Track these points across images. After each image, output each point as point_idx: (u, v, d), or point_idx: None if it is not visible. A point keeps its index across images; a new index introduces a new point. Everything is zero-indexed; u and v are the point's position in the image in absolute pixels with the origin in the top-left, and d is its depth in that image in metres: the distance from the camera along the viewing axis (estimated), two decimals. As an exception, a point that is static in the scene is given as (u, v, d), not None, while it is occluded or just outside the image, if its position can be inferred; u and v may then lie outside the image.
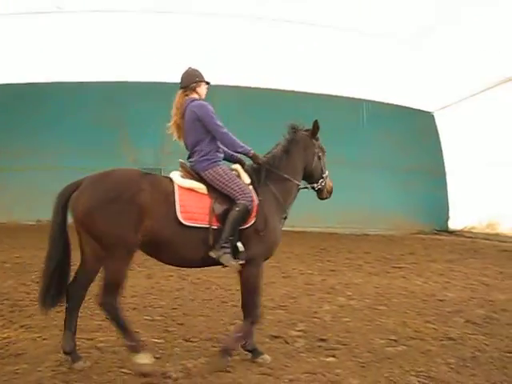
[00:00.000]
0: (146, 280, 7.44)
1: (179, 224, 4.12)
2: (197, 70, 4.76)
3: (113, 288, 4.01)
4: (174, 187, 4.25)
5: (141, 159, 15.44)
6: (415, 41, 14.52)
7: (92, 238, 4.02)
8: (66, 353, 4.02)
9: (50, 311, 4.20)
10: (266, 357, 4.29)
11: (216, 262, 4.26)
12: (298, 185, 4.95)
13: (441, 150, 17.90)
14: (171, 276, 7.73)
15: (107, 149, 14.90)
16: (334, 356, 4.46)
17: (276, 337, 4.97)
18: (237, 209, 4.21)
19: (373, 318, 5.72)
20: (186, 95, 4.68)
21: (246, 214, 4.27)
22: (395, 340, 4.97)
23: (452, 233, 16.75)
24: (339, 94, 16.25)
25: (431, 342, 4.96)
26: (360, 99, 16.85)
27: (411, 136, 17.08)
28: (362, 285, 7.49)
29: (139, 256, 9.01)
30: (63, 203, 4.10)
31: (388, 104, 17.05)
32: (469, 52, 13.58)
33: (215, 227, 4.22)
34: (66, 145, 14.64)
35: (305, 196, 15.34)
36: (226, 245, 4.17)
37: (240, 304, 4.58)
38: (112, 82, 15.05)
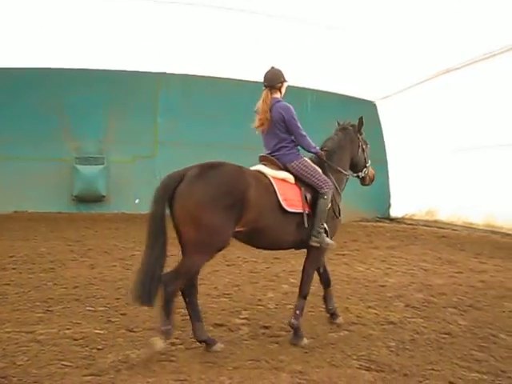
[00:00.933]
0: (89, 270, 7.30)
1: (282, 211, 4.60)
2: (280, 70, 5.19)
3: (185, 276, 4.23)
4: (269, 179, 4.71)
5: (83, 148, 15.08)
6: (359, 31, 14.71)
7: (192, 229, 4.14)
8: (201, 341, 4.30)
9: (147, 305, 4.18)
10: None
11: (302, 245, 4.93)
12: (347, 175, 5.67)
13: (382, 139, 18.18)
14: (114, 266, 7.64)
15: (47, 137, 14.41)
16: (277, 343, 4.52)
17: (220, 325, 5.00)
18: (325, 197, 4.85)
19: (316, 304, 5.78)
20: (271, 94, 5.07)
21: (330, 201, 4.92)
22: (338, 326, 5.07)
23: (393, 220, 17.10)
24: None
25: (372, 326, 5.10)
26: (304, 88, 16.88)
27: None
28: (306, 272, 7.57)
29: (81, 246, 8.94)
30: (167, 195, 4.22)
31: (332, 93, 17.17)
32: (410, 43, 13.84)
33: (307, 212, 4.75)
34: (2, 133, 14.13)
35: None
36: (321, 230, 4.77)
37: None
38: (52, 69, 14.53)
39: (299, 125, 5.04)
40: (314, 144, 5.20)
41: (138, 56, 14.23)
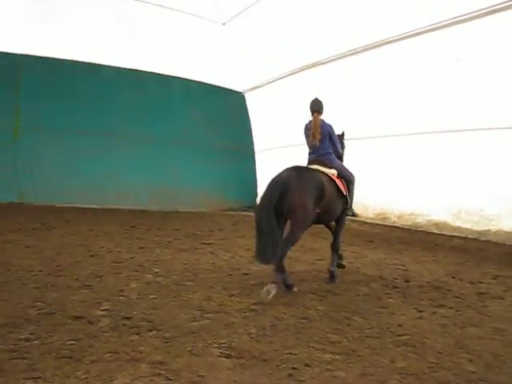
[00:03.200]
0: None
1: (338, 195, 6.80)
2: (321, 101, 7.20)
3: (293, 244, 6.29)
4: (328, 175, 6.75)
5: None
6: (230, 22, 14.81)
7: (300, 212, 6.01)
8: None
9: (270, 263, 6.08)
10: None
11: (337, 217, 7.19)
12: None
13: (250, 130, 18.47)
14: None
15: None
16: (138, 334, 4.41)
17: (79, 317, 4.78)
18: (354, 183, 7.34)
19: (179, 293, 5.78)
20: (319, 115, 7.10)
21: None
22: (200, 314, 5.06)
23: (260, 209, 17.43)
24: (151, 70, 15.96)
25: (234, 314, 5.14)
26: (172, 77, 16.69)
27: (222, 115, 17.36)
28: (171, 261, 7.51)
29: None
30: (278, 191, 5.95)
31: (200, 83, 17.12)
32: (280, 36, 14.14)
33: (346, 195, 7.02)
34: None
35: (115, 173, 14.82)
36: (351, 205, 7.27)
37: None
38: None
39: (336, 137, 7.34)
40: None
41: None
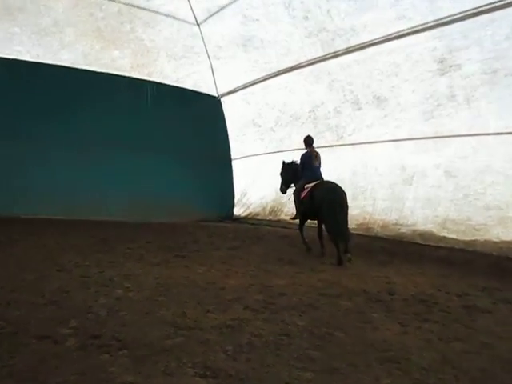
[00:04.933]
0: None
1: None
2: (312, 137, 10.43)
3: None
4: None
5: None
6: (205, 23, 14.62)
7: (347, 209, 9.14)
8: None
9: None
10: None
11: None
12: None
13: (227, 136, 18.07)
14: None
15: None
16: (108, 353, 4.14)
17: (44, 337, 4.49)
18: None
19: (151, 309, 5.51)
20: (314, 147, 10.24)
21: None
22: (173, 332, 4.81)
23: (236, 220, 17.21)
24: (122, 73, 15.51)
25: (210, 330, 4.89)
26: (145, 81, 16.23)
27: (197, 121, 16.91)
28: (142, 276, 7.23)
29: None
30: (340, 194, 9.15)
31: (174, 87, 16.64)
32: (259, 37, 13.98)
33: None
34: None
35: (83, 182, 14.33)
36: None
37: None
38: None
39: None
40: None
41: None
